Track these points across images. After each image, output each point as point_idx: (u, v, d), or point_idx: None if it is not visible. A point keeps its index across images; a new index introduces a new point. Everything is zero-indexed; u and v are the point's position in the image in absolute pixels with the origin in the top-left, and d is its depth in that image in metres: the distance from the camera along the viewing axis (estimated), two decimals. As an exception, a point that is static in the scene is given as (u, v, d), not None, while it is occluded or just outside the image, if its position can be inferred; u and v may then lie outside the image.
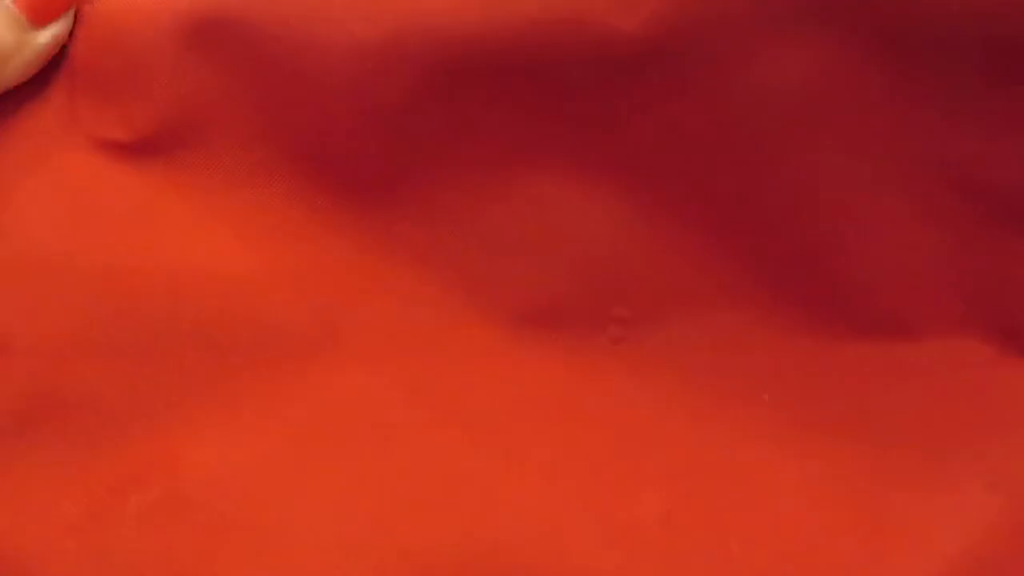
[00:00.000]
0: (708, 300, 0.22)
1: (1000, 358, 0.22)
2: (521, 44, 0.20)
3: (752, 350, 0.22)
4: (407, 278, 0.22)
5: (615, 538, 0.21)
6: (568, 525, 0.21)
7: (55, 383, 0.21)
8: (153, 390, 0.21)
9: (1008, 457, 0.21)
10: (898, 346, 0.22)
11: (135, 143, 0.21)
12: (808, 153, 0.21)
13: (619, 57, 0.20)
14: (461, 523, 0.21)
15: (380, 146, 0.21)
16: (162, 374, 0.21)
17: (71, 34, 0.21)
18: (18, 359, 0.21)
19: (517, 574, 0.20)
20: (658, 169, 0.21)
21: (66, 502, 0.20)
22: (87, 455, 0.21)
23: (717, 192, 0.22)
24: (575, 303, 0.23)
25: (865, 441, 0.22)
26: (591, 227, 0.22)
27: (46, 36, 0.21)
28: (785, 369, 0.22)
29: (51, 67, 0.21)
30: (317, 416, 0.22)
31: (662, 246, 0.22)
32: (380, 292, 0.22)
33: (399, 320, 0.22)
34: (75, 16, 0.21)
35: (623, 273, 0.22)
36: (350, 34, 0.20)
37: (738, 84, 0.20)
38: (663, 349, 0.22)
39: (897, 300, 0.22)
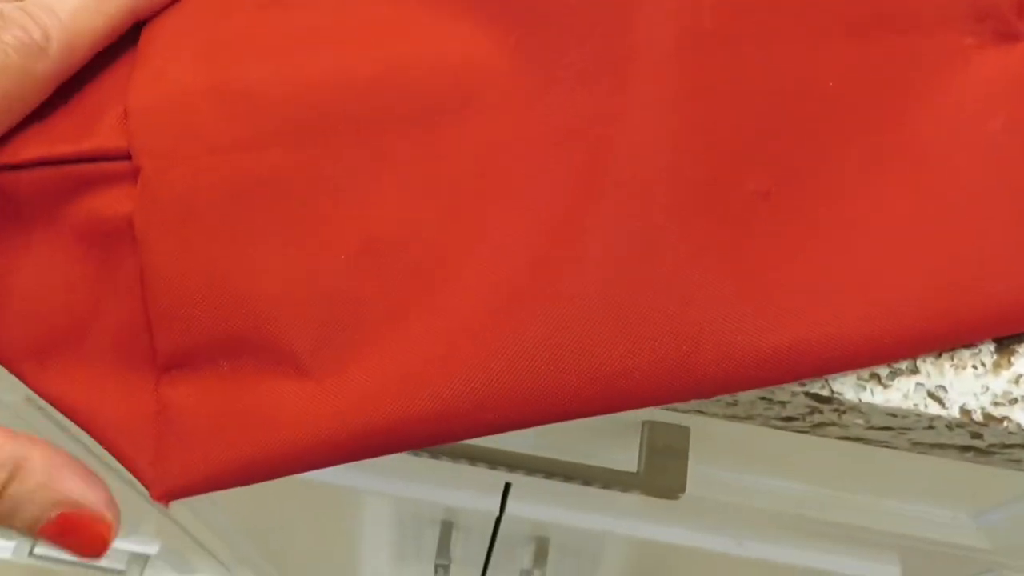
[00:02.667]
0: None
1: (981, 45, 0.27)
2: None
3: (810, 49, 0.26)
4: None
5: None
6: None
7: (255, 172, 0.25)
8: (333, 167, 0.25)
9: (1010, 108, 0.27)
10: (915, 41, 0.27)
11: None
12: None
13: None
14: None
15: None
16: (336, 154, 0.25)
17: None
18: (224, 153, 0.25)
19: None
20: None
21: (287, 263, 0.25)
22: (296, 228, 0.25)
23: None
24: None
25: (900, 110, 0.27)
26: None
27: None
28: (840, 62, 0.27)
29: None
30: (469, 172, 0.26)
31: None
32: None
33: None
34: None
35: None
36: None
37: None
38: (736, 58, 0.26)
39: None
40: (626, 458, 0.44)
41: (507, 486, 0.56)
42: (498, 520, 0.61)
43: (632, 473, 0.42)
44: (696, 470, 0.44)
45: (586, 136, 0.26)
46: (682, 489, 0.41)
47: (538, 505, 0.57)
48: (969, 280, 0.25)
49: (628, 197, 0.25)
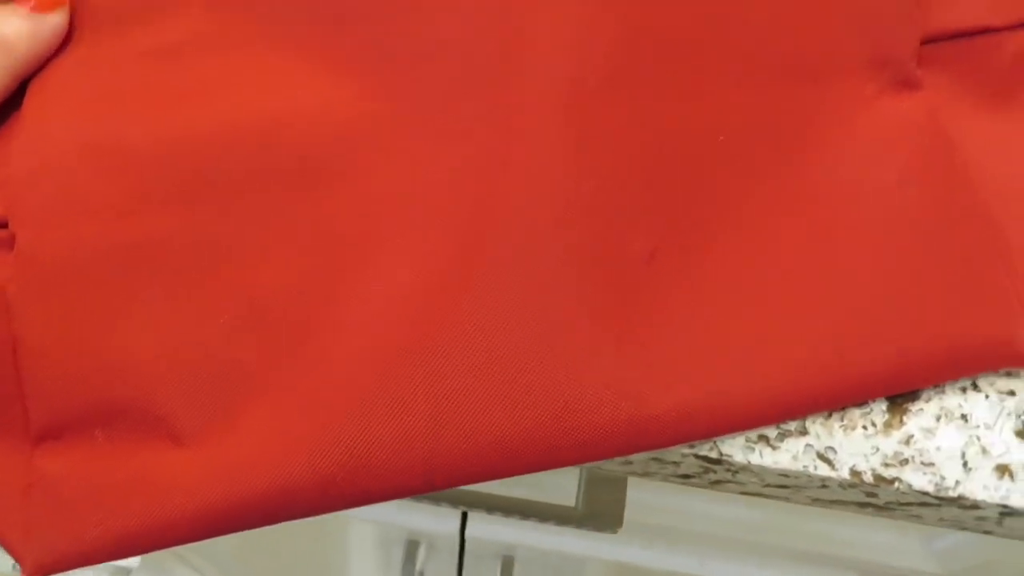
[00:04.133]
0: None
1: (880, 92, 0.27)
2: None
3: (703, 99, 0.26)
4: None
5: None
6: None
7: (132, 236, 0.25)
8: (214, 229, 0.25)
9: (907, 161, 0.26)
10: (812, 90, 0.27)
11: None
12: None
13: None
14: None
15: None
16: (217, 216, 0.25)
17: None
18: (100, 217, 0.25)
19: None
20: None
21: (164, 329, 0.24)
22: (174, 292, 0.25)
23: None
24: None
25: (797, 162, 0.26)
26: None
27: (52, 22, 0.25)
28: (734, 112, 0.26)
29: None
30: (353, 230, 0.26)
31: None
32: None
33: None
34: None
35: None
36: None
37: None
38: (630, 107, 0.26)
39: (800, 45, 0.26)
40: (570, 490, 0.44)
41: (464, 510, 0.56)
42: (462, 541, 0.60)
43: (570, 507, 0.42)
44: (640, 498, 0.44)
45: (470, 192, 0.25)
46: (619, 524, 0.41)
47: (496, 526, 0.57)
48: (860, 339, 0.25)
49: (511, 257, 0.25)
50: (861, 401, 0.25)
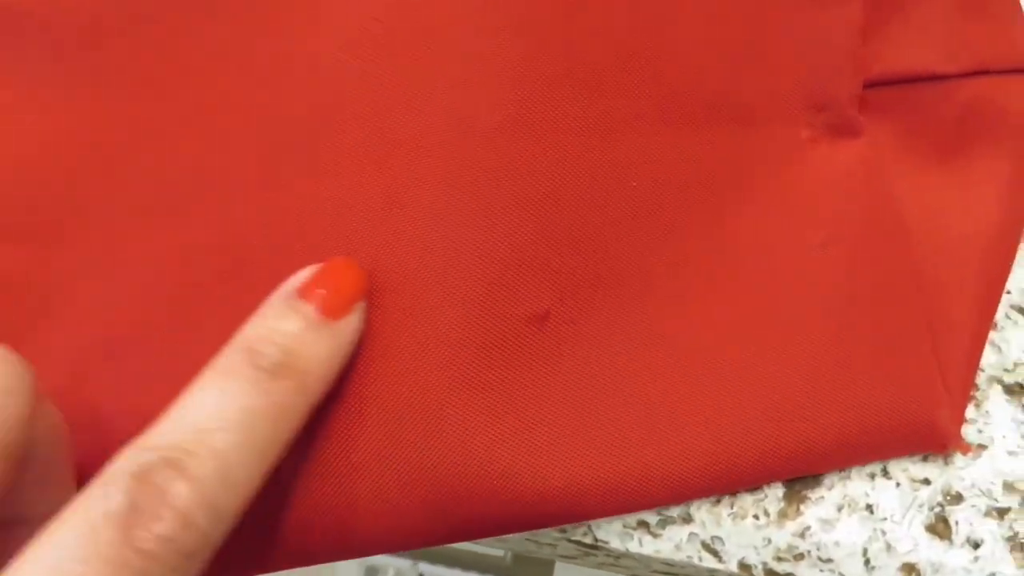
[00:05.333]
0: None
1: (816, 138, 0.25)
2: None
3: (616, 141, 0.23)
4: None
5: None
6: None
7: None
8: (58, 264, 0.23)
9: (837, 219, 0.24)
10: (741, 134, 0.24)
11: None
12: None
13: None
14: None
15: None
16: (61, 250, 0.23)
17: None
18: None
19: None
20: None
21: None
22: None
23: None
24: None
25: (716, 214, 0.24)
26: None
27: (347, 328, 0.19)
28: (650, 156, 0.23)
29: None
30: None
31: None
32: None
33: None
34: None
35: None
36: None
37: None
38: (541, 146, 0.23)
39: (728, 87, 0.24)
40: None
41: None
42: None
43: (499, 557, 0.40)
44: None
45: (343, 228, 0.23)
46: (547, 578, 0.39)
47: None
48: (767, 416, 0.22)
49: (385, 319, 0.22)
50: (765, 483, 0.23)
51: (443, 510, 0.22)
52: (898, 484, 0.23)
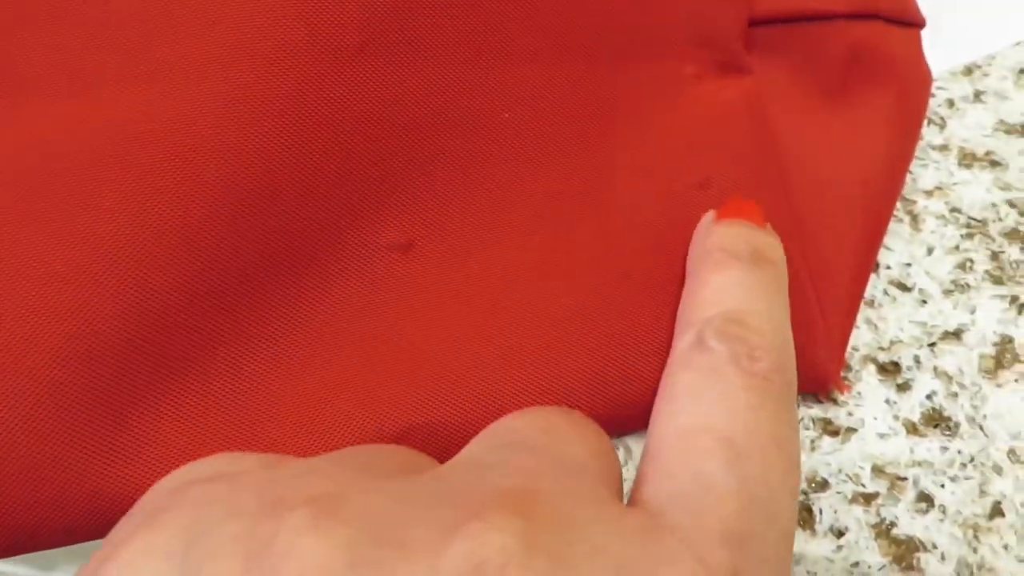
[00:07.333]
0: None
1: (701, 75, 0.23)
2: None
3: (488, 71, 0.22)
4: None
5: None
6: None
7: None
8: None
9: (715, 161, 0.23)
10: (621, 68, 0.23)
11: None
12: None
13: None
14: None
15: None
16: None
17: None
18: None
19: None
20: None
21: None
22: None
23: None
24: None
25: (593, 147, 0.22)
26: None
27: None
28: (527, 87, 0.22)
29: None
30: None
31: None
32: None
33: None
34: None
35: None
36: None
37: None
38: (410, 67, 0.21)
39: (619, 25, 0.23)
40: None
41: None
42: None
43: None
44: None
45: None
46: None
47: None
48: (627, 359, 0.21)
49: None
50: (625, 432, 0.22)
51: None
52: (760, 472, 0.22)
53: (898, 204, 0.27)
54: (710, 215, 0.21)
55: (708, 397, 0.16)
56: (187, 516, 0.12)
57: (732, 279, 0.19)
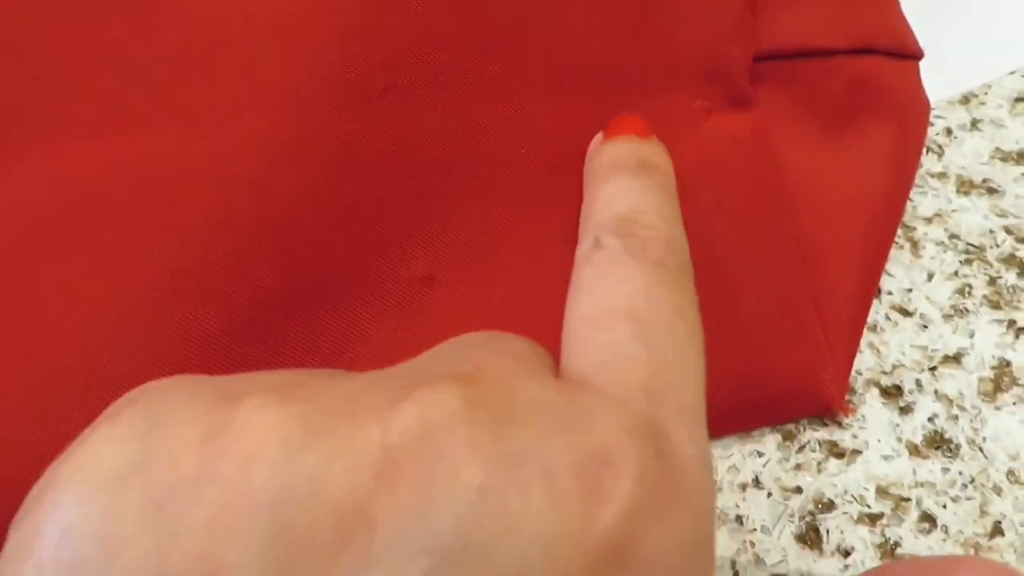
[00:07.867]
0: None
1: (710, 108, 0.24)
2: None
3: (513, 103, 0.23)
4: None
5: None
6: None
7: None
8: None
9: (725, 189, 0.24)
10: (634, 103, 0.24)
11: None
12: None
13: None
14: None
15: None
16: None
17: None
18: None
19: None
20: None
21: None
22: None
23: None
24: None
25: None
26: None
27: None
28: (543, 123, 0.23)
29: None
30: None
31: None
32: None
33: None
34: None
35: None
36: None
37: None
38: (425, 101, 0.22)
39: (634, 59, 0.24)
40: None
41: None
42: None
43: None
44: None
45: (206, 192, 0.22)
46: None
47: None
48: None
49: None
50: None
51: None
52: (769, 494, 0.23)
53: (899, 231, 0.28)
54: (598, 136, 0.22)
55: (608, 283, 0.17)
56: (146, 407, 0.13)
57: (621, 187, 0.20)
